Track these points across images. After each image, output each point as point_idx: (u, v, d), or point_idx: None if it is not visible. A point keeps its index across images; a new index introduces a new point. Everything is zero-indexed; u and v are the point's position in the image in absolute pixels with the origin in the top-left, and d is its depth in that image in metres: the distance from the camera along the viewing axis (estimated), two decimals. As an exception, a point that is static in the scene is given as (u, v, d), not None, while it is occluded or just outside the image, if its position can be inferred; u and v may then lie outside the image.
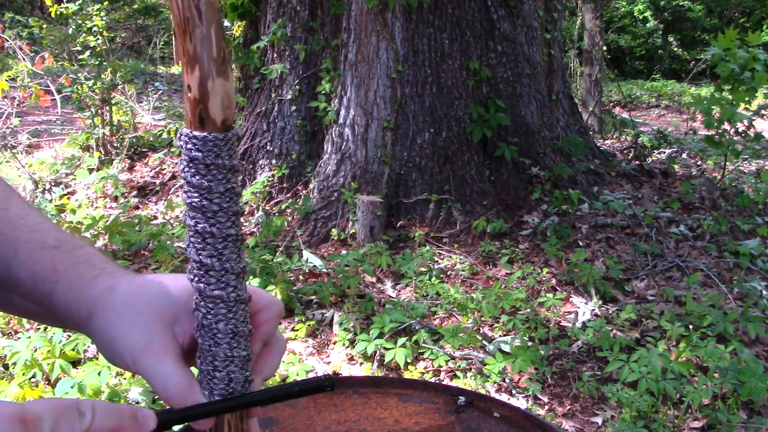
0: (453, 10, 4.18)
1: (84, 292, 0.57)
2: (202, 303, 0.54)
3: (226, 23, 5.36)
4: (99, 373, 2.28)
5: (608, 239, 4.01)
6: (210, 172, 0.51)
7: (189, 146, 0.51)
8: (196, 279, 0.54)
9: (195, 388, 0.55)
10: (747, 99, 4.31)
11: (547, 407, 2.51)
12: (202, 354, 0.56)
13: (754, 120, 4.50)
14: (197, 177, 0.51)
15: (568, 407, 2.52)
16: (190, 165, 0.51)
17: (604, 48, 8.68)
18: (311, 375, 2.62)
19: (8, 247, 0.58)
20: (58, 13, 5.59)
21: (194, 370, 0.57)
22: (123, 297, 0.56)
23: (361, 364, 2.75)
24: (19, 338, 2.64)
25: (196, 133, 0.50)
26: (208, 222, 0.52)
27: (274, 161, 4.70)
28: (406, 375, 2.62)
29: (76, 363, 2.61)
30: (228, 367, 0.55)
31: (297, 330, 2.97)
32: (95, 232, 3.83)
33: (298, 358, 2.71)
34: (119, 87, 6.02)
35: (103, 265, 0.60)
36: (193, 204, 0.52)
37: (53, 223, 0.64)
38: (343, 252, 3.73)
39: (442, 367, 2.70)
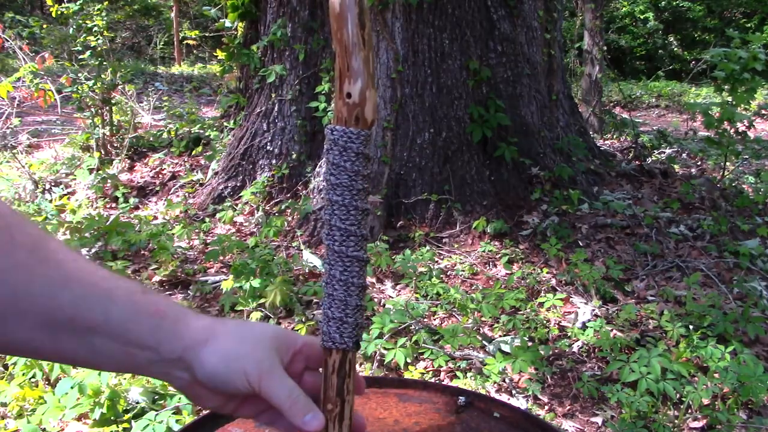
0: (453, 10, 4.18)
1: (194, 323, 0.66)
2: (340, 262, 0.68)
3: (227, 23, 5.36)
4: (99, 374, 2.28)
5: (608, 239, 4.00)
6: (358, 159, 0.67)
7: (344, 138, 0.66)
8: (338, 243, 0.68)
9: (311, 401, 0.67)
10: (746, 99, 4.31)
11: (547, 407, 2.51)
12: (334, 304, 0.69)
13: (754, 120, 4.50)
14: (349, 162, 0.67)
15: (568, 407, 2.52)
16: (344, 153, 0.67)
17: (605, 48, 8.68)
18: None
19: (102, 296, 0.62)
20: (59, 13, 5.59)
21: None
22: (236, 327, 0.67)
23: (361, 364, 2.75)
24: (19, 338, 2.64)
25: (352, 129, 0.66)
26: (353, 198, 0.68)
27: (274, 161, 4.70)
28: (406, 375, 2.62)
29: (76, 363, 2.60)
30: (356, 313, 0.70)
31: (297, 330, 2.97)
32: (95, 233, 3.83)
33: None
34: (119, 87, 6.02)
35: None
36: (343, 183, 0.67)
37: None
38: (343, 252, 3.73)
39: (442, 367, 2.70)
